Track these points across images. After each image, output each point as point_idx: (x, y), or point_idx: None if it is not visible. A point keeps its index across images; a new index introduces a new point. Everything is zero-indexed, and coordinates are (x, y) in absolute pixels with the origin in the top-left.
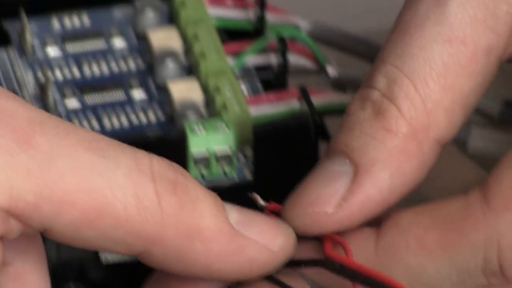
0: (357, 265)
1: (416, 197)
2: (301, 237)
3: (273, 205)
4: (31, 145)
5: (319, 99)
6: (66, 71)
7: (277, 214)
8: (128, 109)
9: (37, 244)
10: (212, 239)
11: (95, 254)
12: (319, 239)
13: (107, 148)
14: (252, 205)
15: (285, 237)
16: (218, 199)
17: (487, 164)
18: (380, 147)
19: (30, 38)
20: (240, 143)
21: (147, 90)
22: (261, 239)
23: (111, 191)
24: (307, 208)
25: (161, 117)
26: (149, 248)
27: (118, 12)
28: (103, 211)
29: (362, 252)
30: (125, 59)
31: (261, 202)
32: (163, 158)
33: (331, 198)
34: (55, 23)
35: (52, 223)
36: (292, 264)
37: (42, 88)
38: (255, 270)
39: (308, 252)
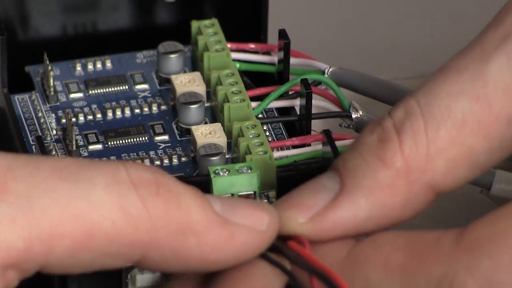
0: (309, 256)
1: None
2: None
3: None
4: (7, 193)
5: (342, 143)
6: (89, 115)
7: None
8: (151, 152)
9: None
10: (204, 231)
11: None
12: None
13: (79, 171)
14: None
15: (270, 215)
16: (199, 191)
17: None
18: (369, 175)
19: (53, 82)
20: (264, 186)
21: (170, 133)
22: (248, 222)
23: (95, 211)
24: (284, 211)
25: (184, 160)
26: (146, 254)
27: (141, 57)
28: (93, 232)
29: (333, 254)
30: (148, 103)
31: None
32: (138, 162)
33: (308, 210)
34: (78, 68)
35: (47, 259)
36: None
37: (65, 132)
38: (249, 252)
39: None
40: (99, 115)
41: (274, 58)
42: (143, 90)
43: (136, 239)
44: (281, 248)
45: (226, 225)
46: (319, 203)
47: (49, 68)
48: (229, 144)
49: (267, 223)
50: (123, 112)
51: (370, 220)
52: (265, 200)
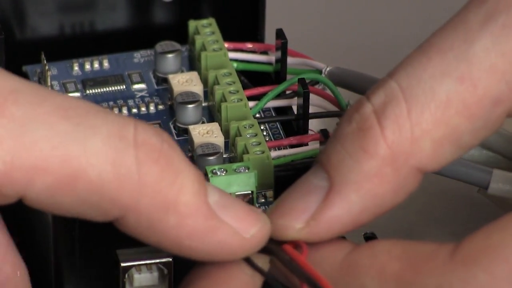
0: (303, 263)
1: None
2: None
3: None
4: (4, 115)
5: None
6: None
7: None
8: None
9: None
10: (187, 215)
11: None
12: None
13: (85, 115)
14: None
15: (260, 226)
16: (201, 177)
17: (507, 206)
18: (355, 167)
19: (51, 82)
20: (261, 185)
21: (168, 133)
22: (235, 224)
23: (85, 157)
24: (279, 219)
25: None
26: (124, 215)
27: (139, 56)
28: (77, 177)
29: (329, 259)
30: (145, 102)
31: None
32: (152, 125)
33: (302, 214)
34: (76, 67)
35: (26, 190)
36: None
37: None
38: (225, 253)
39: None
40: None
41: (272, 58)
42: (141, 90)
43: (118, 197)
44: (275, 252)
45: (212, 218)
46: (312, 205)
47: (47, 68)
48: (226, 143)
49: (253, 233)
50: (120, 111)
51: (365, 212)
52: (263, 208)
